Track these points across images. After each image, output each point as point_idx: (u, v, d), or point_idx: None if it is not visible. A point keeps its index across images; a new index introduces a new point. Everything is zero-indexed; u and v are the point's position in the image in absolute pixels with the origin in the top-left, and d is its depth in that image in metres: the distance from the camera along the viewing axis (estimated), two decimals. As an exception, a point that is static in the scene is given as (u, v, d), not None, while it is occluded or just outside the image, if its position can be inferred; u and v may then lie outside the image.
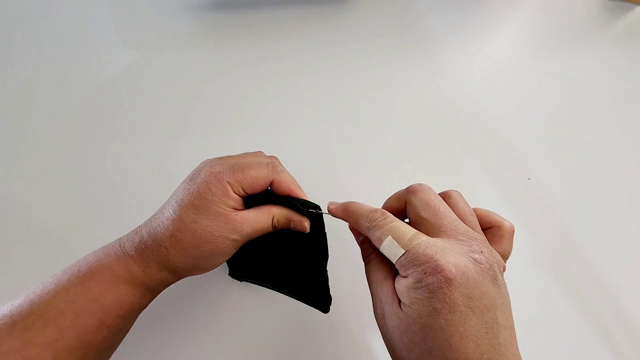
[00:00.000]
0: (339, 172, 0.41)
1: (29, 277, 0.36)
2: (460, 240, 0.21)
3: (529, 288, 0.37)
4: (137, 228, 0.27)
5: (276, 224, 0.27)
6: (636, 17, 0.49)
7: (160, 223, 0.26)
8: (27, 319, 0.22)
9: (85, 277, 0.24)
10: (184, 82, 0.45)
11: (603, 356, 0.35)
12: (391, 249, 0.21)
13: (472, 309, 0.19)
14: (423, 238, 0.21)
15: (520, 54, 0.47)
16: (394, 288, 0.22)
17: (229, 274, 0.35)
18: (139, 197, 0.40)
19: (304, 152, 0.42)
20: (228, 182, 0.25)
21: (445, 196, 0.25)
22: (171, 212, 0.26)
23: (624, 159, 0.42)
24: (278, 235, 0.28)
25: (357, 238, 0.27)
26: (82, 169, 0.41)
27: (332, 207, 0.27)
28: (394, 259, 0.21)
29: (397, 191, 0.26)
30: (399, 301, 0.21)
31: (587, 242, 0.38)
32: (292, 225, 0.28)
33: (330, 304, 0.30)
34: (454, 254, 0.20)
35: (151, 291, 0.27)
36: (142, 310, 0.27)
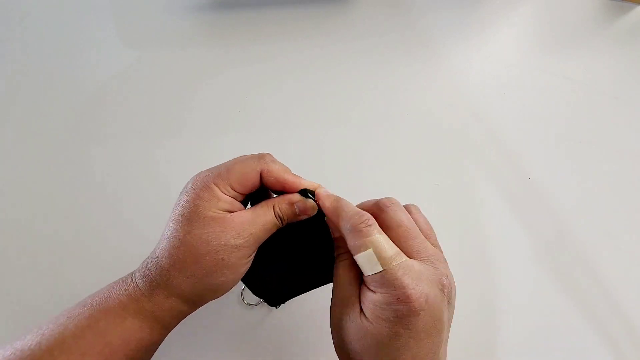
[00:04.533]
0: (339, 171, 0.41)
1: (14, 286, 0.36)
2: (432, 262, 0.22)
3: (528, 288, 0.37)
4: (147, 257, 0.25)
5: (279, 214, 0.25)
6: (636, 17, 0.49)
7: (159, 246, 0.24)
8: (34, 354, 0.21)
9: (95, 311, 0.23)
10: (184, 82, 0.45)
11: (603, 356, 0.35)
12: (369, 263, 0.21)
13: (429, 335, 0.20)
14: (403, 260, 0.21)
15: (520, 53, 0.47)
16: (359, 294, 0.22)
17: (269, 304, 0.32)
18: (139, 197, 0.40)
19: (304, 152, 0.42)
20: (214, 183, 0.23)
21: (407, 212, 0.25)
22: (166, 231, 0.24)
23: (624, 159, 0.42)
24: (290, 242, 0.27)
25: (333, 232, 0.25)
26: (81, 169, 0.41)
27: (322, 192, 0.25)
28: (367, 272, 0.21)
29: (365, 201, 0.26)
30: (361, 309, 0.22)
31: (588, 242, 0.38)
32: (296, 210, 0.25)
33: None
34: (427, 282, 0.21)
35: (162, 324, 0.24)
36: (155, 348, 0.25)
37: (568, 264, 0.38)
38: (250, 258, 0.25)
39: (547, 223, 0.39)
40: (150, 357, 0.25)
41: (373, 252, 0.21)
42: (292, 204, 0.25)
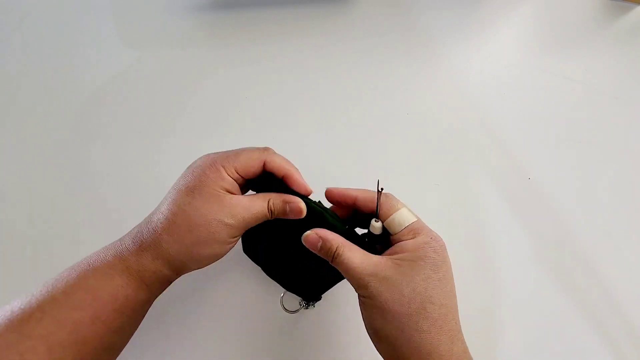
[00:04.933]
0: (339, 171, 0.41)
1: (13, 281, 0.36)
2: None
3: (528, 288, 0.37)
4: (138, 224, 0.27)
5: (272, 208, 0.27)
6: (636, 17, 0.49)
7: (157, 211, 0.26)
8: (24, 312, 0.22)
9: (83, 271, 0.24)
10: (184, 82, 0.45)
11: (603, 356, 0.35)
12: (403, 218, 0.26)
13: (450, 269, 0.26)
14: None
15: (520, 53, 0.47)
16: (376, 258, 0.26)
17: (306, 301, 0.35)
18: (139, 197, 0.40)
19: (304, 152, 0.41)
20: (222, 165, 0.26)
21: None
22: (168, 199, 0.26)
23: (624, 159, 0.42)
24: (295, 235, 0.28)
25: (315, 244, 0.27)
26: (81, 169, 0.41)
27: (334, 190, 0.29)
28: (403, 225, 0.26)
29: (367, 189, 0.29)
30: (392, 263, 0.25)
31: (588, 242, 0.38)
32: (287, 209, 0.27)
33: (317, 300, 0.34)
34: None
35: (147, 285, 0.26)
36: (142, 311, 0.27)
37: (568, 263, 0.38)
38: (236, 239, 0.27)
39: (547, 223, 0.39)
40: (137, 320, 0.27)
41: (406, 210, 0.27)
42: (285, 202, 0.28)
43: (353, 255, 0.25)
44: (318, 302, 0.34)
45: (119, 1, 0.50)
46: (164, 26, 0.48)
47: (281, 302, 0.36)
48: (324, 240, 0.26)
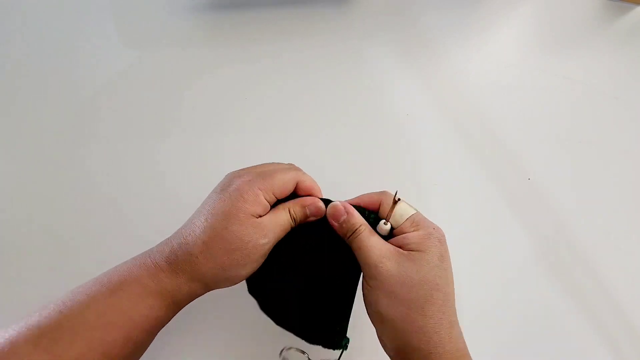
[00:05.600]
0: (339, 172, 0.41)
1: (13, 285, 0.36)
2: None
3: (528, 288, 0.37)
4: (166, 240, 0.27)
5: (294, 215, 0.28)
6: (636, 17, 0.49)
7: (191, 232, 0.26)
8: (55, 332, 0.22)
9: (116, 289, 0.24)
10: (184, 82, 0.45)
11: (603, 356, 0.35)
12: (404, 211, 0.28)
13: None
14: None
15: (520, 53, 0.47)
16: (390, 245, 0.27)
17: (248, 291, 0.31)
18: (139, 197, 0.40)
19: (304, 152, 0.41)
20: (259, 189, 0.26)
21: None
22: (202, 221, 0.26)
23: (624, 159, 0.42)
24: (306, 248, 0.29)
25: (340, 215, 0.28)
26: (81, 169, 0.41)
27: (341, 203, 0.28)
28: (405, 217, 0.27)
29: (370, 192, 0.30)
30: (403, 252, 0.26)
31: (588, 242, 0.38)
32: (307, 212, 0.28)
33: (344, 342, 0.29)
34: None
35: (177, 304, 0.26)
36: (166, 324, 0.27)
37: (568, 264, 0.38)
38: (266, 254, 0.28)
39: (547, 223, 0.39)
40: (158, 331, 0.27)
41: (406, 204, 0.28)
42: (304, 206, 0.28)
43: (371, 236, 0.27)
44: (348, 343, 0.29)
45: (119, 1, 0.50)
46: (164, 26, 0.48)
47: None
48: (349, 215, 0.27)
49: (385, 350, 0.27)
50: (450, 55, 0.46)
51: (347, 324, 0.29)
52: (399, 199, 0.28)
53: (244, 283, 0.29)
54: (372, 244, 0.26)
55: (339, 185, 0.40)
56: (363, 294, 0.28)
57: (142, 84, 0.45)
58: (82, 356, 0.22)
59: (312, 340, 0.29)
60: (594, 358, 0.35)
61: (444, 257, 0.26)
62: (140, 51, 0.47)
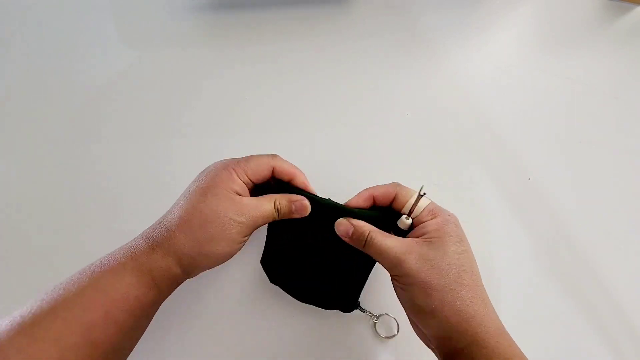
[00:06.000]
0: (339, 172, 0.41)
1: (16, 285, 0.36)
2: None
3: (528, 288, 0.37)
4: (150, 225, 0.28)
5: (278, 207, 0.29)
6: (636, 17, 0.49)
7: (170, 212, 0.28)
8: (35, 316, 0.22)
9: (95, 272, 0.25)
10: (184, 82, 0.45)
11: (603, 356, 0.35)
12: (424, 201, 0.29)
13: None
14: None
15: (520, 53, 0.47)
16: (407, 240, 0.27)
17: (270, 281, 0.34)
18: (139, 197, 0.40)
19: (303, 153, 0.41)
20: (233, 169, 0.28)
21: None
22: (181, 200, 0.28)
23: (624, 159, 0.42)
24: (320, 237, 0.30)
25: (348, 231, 0.28)
26: (81, 169, 0.41)
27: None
28: (423, 206, 0.28)
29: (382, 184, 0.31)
30: (424, 242, 0.27)
31: (588, 242, 0.38)
32: (293, 208, 0.29)
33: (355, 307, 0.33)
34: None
35: (156, 284, 0.26)
36: (150, 313, 0.27)
37: (568, 263, 0.38)
38: (245, 238, 0.28)
39: (547, 223, 0.39)
40: (145, 322, 0.27)
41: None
42: (291, 202, 0.29)
43: (385, 238, 0.27)
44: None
45: (119, 1, 0.50)
46: (164, 26, 0.48)
47: (374, 327, 0.35)
48: (356, 227, 0.28)
49: (424, 342, 0.28)
50: (450, 55, 0.46)
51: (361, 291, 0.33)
52: (424, 194, 0.28)
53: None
54: (388, 245, 0.27)
55: (339, 185, 0.40)
56: (397, 294, 0.28)
57: (142, 84, 0.45)
58: (62, 337, 0.22)
59: (331, 307, 0.33)
60: (594, 358, 0.35)
61: (463, 240, 0.27)
62: (140, 51, 0.47)
